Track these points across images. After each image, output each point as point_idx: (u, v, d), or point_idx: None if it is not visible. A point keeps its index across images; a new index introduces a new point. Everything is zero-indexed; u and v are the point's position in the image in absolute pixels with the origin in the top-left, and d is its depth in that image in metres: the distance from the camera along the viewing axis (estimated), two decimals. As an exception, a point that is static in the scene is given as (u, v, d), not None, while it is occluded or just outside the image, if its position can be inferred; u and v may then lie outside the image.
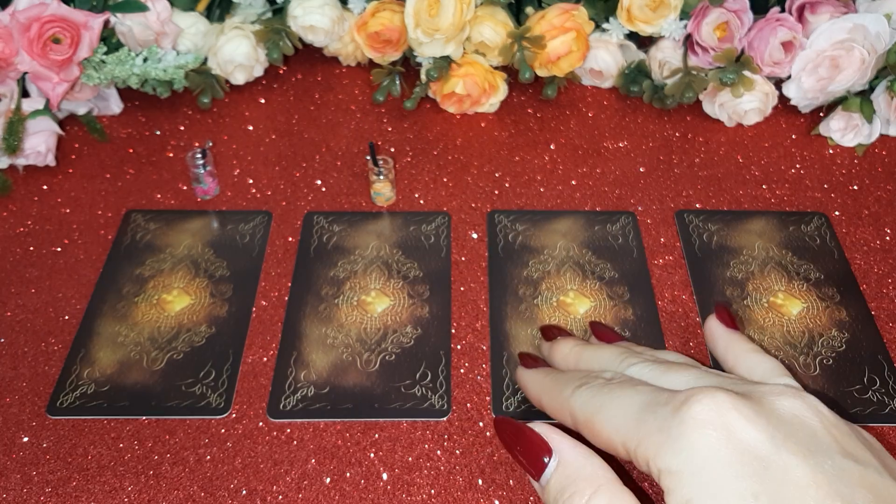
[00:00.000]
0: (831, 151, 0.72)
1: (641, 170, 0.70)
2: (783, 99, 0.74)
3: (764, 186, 0.68)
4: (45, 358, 0.56)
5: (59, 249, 0.63)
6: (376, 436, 0.51)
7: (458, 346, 0.56)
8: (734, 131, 0.74)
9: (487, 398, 0.53)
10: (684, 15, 0.72)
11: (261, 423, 0.52)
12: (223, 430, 0.51)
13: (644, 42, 0.77)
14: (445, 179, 0.69)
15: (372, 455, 0.50)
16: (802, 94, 0.72)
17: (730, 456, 0.28)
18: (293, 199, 0.67)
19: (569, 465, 0.33)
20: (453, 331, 0.57)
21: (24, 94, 0.69)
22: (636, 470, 0.49)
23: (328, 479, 0.49)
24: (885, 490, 0.27)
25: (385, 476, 0.49)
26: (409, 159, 0.71)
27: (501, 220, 0.65)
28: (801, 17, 0.71)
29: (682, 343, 0.56)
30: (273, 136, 0.74)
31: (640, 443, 0.31)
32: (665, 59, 0.74)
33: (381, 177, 0.65)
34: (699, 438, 0.29)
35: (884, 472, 0.28)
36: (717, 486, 0.28)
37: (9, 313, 0.59)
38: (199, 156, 0.65)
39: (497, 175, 0.69)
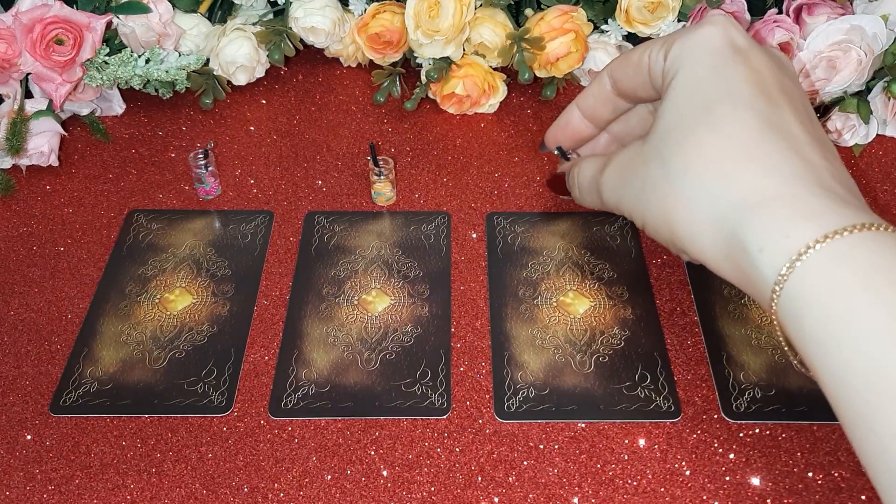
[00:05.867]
0: (829, 152, 0.73)
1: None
2: (781, 100, 0.74)
3: (762, 187, 0.69)
4: (48, 357, 0.56)
5: (61, 249, 0.64)
6: (377, 434, 0.52)
7: (458, 345, 0.56)
8: (732, 132, 0.75)
9: (487, 396, 0.53)
10: (682, 16, 0.73)
11: (262, 422, 0.52)
12: (225, 429, 0.52)
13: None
14: (445, 179, 0.70)
15: (372, 453, 0.51)
16: (800, 95, 0.72)
17: (723, 42, 0.36)
18: (294, 198, 0.68)
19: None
20: (453, 330, 0.57)
21: (28, 94, 0.69)
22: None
23: (329, 477, 0.49)
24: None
25: (385, 473, 0.50)
26: (409, 159, 0.71)
27: (500, 221, 0.65)
28: (798, 19, 0.71)
29: (680, 341, 0.57)
30: (274, 137, 0.74)
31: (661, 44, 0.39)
32: (664, 60, 0.74)
33: (382, 177, 0.65)
34: (703, 30, 0.36)
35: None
36: (709, 49, 0.35)
37: (12, 312, 0.59)
38: (200, 156, 0.66)
39: (496, 175, 0.70)
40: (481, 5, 0.72)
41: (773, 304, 0.31)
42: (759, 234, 0.31)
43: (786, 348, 0.32)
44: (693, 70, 0.36)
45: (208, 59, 0.75)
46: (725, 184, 0.33)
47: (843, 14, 0.70)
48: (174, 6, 0.72)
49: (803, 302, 0.29)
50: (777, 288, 0.30)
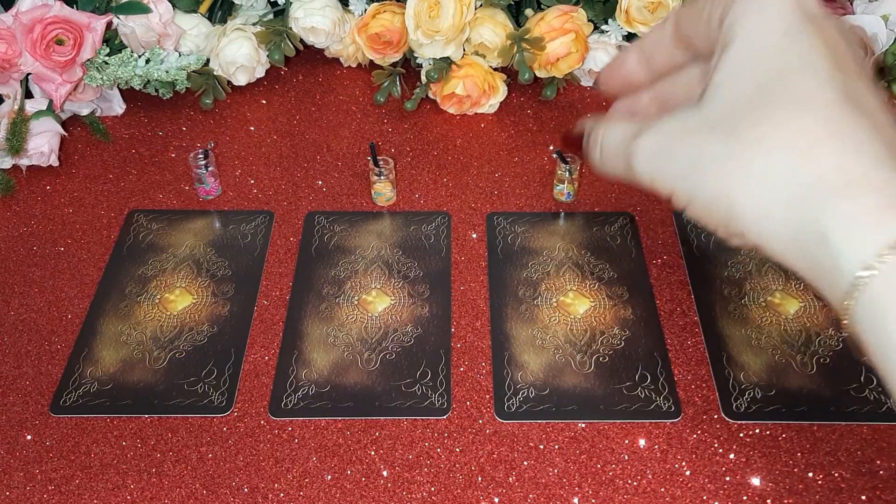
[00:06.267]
0: (829, 152, 0.73)
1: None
2: (781, 100, 0.74)
3: (762, 187, 0.69)
4: (48, 357, 0.56)
5: (62, 249, 0.64)
6: (377, 434, 0.52)
7: (458, 345, 0.56)
8: (732, 132, 0.75)
9: (487, 396, 0.53)
10: (683, 16, 0.73)
11: (262, 422, 0.52)
12: (225, 429, 0.52)
13: (643, 43, 0.78)
14: (445, 180, 0.70)
15: (372, 453, 0.51)
16: (800, 95, 0.72)
17: (793, 7, 0.32)
18: (294, 199, 0.68)
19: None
20: (453, 330, 0.57)
21: (28, 94, 0.69)
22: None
23: (329, 477, 0.49)
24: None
25: (385, 473, 0.50)
26: (409, 160, 0.71)
27: (500, 221, 0.65)
28: (798, 19, 0.71)
29: (680, 341, 0.57)
30: (274, 137, 0.74)
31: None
32: (664, 60, 0.75)
33: (382, 177, 0.65)
34: None
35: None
36: (777, 13, 0.32)
37: (12, 313, 0.59)
38: (201, 156, 0.66)
39: (496, 175, 0.70)
40: (481, 5, 0.72)
41: (850, 301, 0.27)
42: (843, 221, 0.28)
43: (851, 345, 0.29)
44: (759, 34, 0.32)
45: (208, 60, 0.75)
46: (804, 162, 0.29)
47: (843, 14, 0.70)
48: (174, 6, 0.72)
49: (890, 301, 0.26)
50: (859, 283, 0.27)
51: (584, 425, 0.52)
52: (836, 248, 0.28)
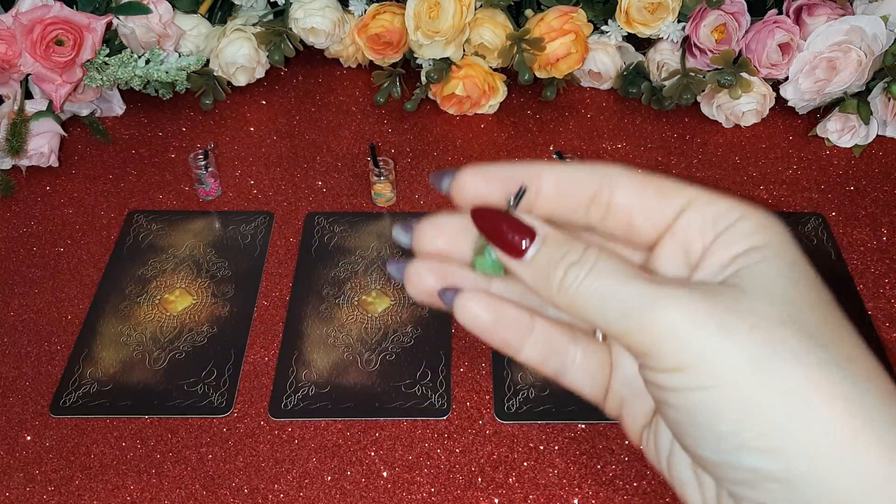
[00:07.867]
0: (828, 153, 0.73)
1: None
2: (780, 100, 0.74)
3: (761, 187, 0.69)
4: (47, 357, 0.56)
5: (61, 250, 0.64)
6: (377, 434, 0.52)
7: (458, 346, 0.56)
8: (732, 132, 0.75)
9: (487, 397, 0.53)
10: (682, 17, 0.73)
11: (262, 422, 0.52)
12: (225, 429, 0.52)
13: (642, 44, 0.78)
14: (445, 180, 0.69)
15: (372, 454, 0.51)
16: (800, 95, 0.72)
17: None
18: (294, 199, 0.68)
19: (554, 238, 0.28)
20: (453, 330, 0.57)
21: (28, 95, 0.69)
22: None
23: (329, 478, 0.49)
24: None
25: (385, 474, 0.50)
26: (409, 160, 0.71)
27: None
28: (798, 19, 0.71)
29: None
30: (274, 138, 0.74)
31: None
32: (663, 60, 0.75)
33: (382, 178, 0.65)
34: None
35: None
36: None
37: (12, 313, 0.59)
38: (200, 157, 0.66)
39: (497, 176, 0.70)
40: (481, 6, 0.72)
41: None
42: None
43: None
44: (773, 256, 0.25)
45: (208, 60, 0.75)
46: None
47: (843, 15, 0.70)
48: (174, 7, 0.72)
49: None
50: None
51: (583, 426, 0.52)
52: None
